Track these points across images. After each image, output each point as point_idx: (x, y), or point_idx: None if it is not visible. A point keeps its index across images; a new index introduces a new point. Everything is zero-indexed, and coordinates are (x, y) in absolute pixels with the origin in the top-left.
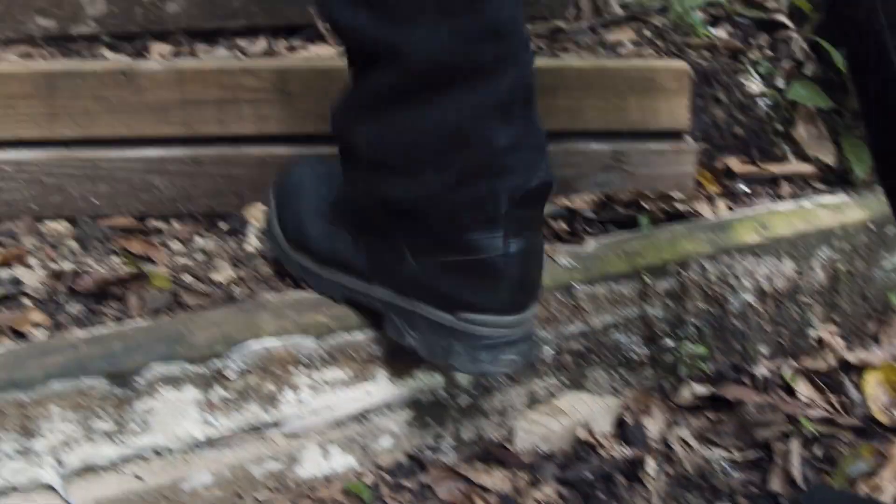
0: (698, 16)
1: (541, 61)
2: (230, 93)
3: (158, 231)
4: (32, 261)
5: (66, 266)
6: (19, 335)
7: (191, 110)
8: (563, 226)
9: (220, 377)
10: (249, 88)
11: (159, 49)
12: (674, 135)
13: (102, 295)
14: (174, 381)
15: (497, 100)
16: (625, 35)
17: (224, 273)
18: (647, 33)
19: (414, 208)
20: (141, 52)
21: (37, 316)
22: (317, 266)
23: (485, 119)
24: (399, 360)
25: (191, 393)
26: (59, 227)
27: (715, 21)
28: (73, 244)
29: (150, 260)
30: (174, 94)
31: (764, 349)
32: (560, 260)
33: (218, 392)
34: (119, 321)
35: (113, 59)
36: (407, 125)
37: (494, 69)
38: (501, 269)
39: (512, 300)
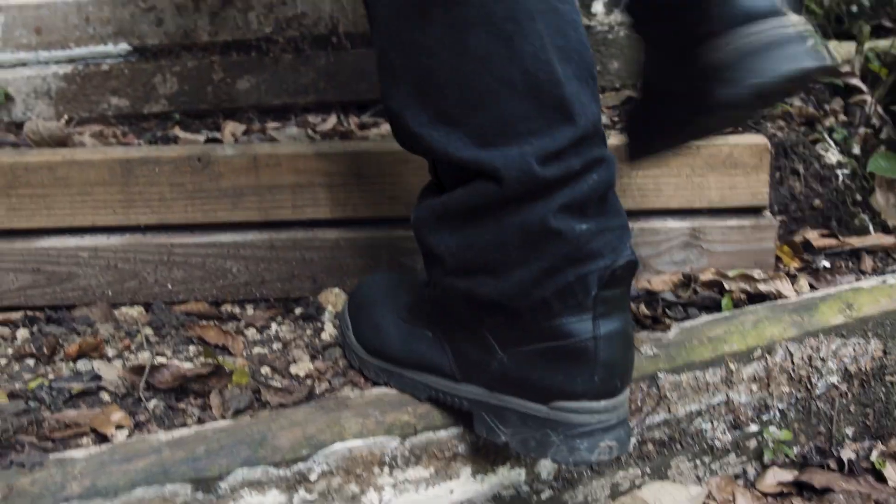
0: None
1: (617, 139)
2: (305, 177)
3: (233, 317)
4: (109, 351)
5: (143, 357)
6: (101, 436)
7: (265, 195)
8: (644, 309)
9: (303, 480)
10: (324, 173)
11: (232, 128)
12: (753, 210)
13: (182, 391)
14: (258, 486)
15: (583, 199)
16: None
17: (303, 366)
18: None
19: (501, 303)
20: (213, 130)
21: (117, 414)
22: (399, 368)
23: (570, 215)
24: (481, 457)
25: (274, 497)
26: (134, 312)
27: None
28: (149, 331)
29: (226, 350)
30: (249, 180)
31: (850, 431)
32: (644, 349)
33: (301, 495)
34: (200, 421)
35: (188, 145)
36: (494, 231)
37: (580, 174)
38: (593, 352)
39: (605, 384)
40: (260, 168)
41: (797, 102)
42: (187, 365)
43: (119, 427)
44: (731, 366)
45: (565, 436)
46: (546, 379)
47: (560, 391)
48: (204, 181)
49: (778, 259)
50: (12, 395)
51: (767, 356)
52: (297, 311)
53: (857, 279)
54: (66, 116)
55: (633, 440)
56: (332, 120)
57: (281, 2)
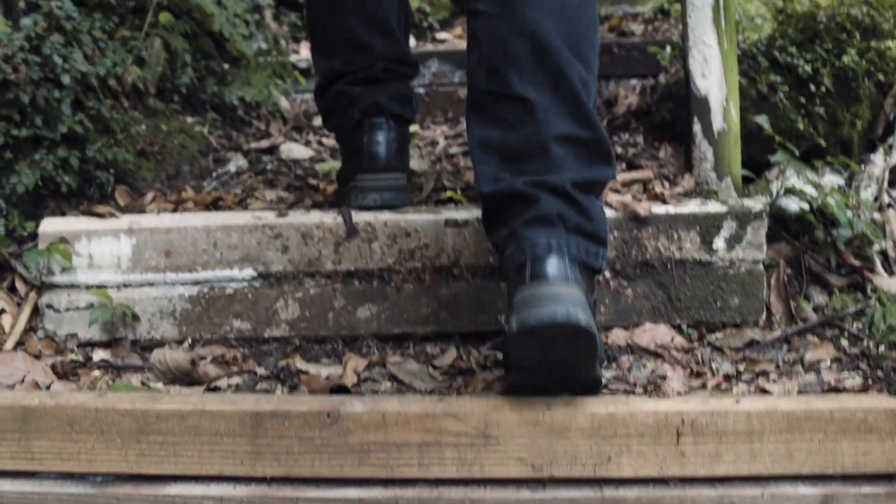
0: None
1: (749, 403)
2: (433, 436)
3: None
4: None
5: None
6: None
7: (392, 452)
8: None
9: None
10: (452, 432)
11: (354, 364)
12: (888, 477)
13: None
14: None
15: None
16: (824, 352)
17: None
18: (846, 345)
19: None
20: (332, 356)
21: None
22: None
23: None
24: None
25: None
26: None
27: None
28: None
29: None
30: (377, 436)
31: None
32: None
33: None
34: None
35: (317, 398)
36: None
37: None
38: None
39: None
40: (388, 426)
41: None
42: None
43: None
44: None
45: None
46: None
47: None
48: (332, 436)
49: None
50: None
51: None
52: None
53: None
54: (189, 339)
55: None
56: (451, 353)
57: (405, 233)
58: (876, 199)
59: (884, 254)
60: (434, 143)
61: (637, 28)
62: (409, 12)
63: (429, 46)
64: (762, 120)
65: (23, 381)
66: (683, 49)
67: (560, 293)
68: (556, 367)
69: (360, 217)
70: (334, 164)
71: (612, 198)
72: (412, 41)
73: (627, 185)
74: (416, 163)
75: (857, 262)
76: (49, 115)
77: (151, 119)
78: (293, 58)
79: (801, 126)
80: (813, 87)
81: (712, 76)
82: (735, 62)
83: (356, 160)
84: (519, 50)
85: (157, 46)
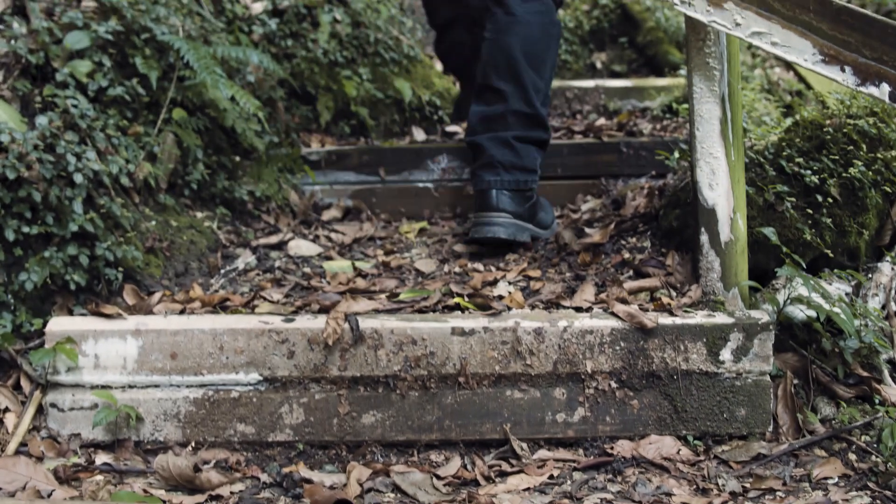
0: None
1: None
2: None
3: None
4: None
5: None
6: None
7: None
8: None
9: None
10: None
11: (357, 474)
12: None
13: None
14: None
15: None
16: (832, 468)
17: None
18: (854, 459)
19: None
20: (335, 462)
21: None
22: None
23: None
24: None
25: None
26: None
27: None
28: None
29: None
30: None
31: None
32: None
33: None
34: None
35: None
36: None
37: None
38: None
39: None
40: None
41: None
42: None
43: None
44: None
45: None
46: None
47: None
48: None
49: None
50: None
51: None
52: None
53: None
54: (193, 442)
55: None
56: (455, 462)
57: (411, 341)
58: (883, 307)
59: (892, 363)
60: (442, 241)
61: (645, 125)
62: None
63: (438, 142)
64: (769, 232)
65: (24, 488)
66: (691, 160)
67: (492, 218)
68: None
69: (366, 324)
70: (342, 264)
71: (618, 308)
72: (421, 135)
73: (634, 293)
74: (422, 263)
75: (864, 373)
76: (60, 213)
77: (161, 214)
78: (304, 150)
79: (808, 236)
80: (820, 197)
81: (720, 187)
82: (742, 173)
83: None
84: (499, 60)
85: (170, 142)
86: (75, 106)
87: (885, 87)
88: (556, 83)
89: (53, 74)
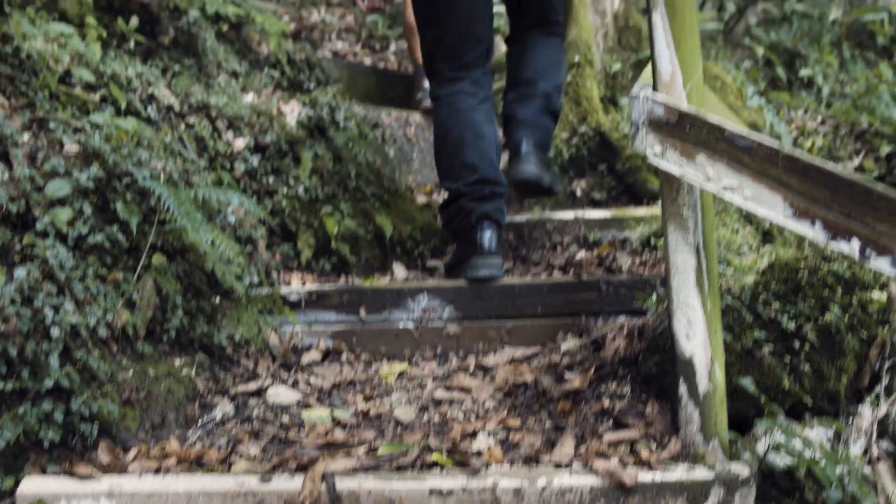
0: None
1: None
2: None
3: None
4: None
5: None
6: None
7: None
8: None
9: None
10: None
11: None
12: None
13: None
14: None
15: None
16: None
17: None
18: None
19: None
20: None
21: None
22: None
23: None
24: None
25: None
26: None
27: None
28: None
29: None
30: None
31: None
32: None
33: None
34: None
35: None
36: None
37: None
38: None
39: None
40: None
41: None
42: None
43: None
44: None
45: None
46: None
47: None
48: None
49: None
50: None
51: None
52: None
53: None
54: None
55: None
56: None
57: (388, 502)
58: (865, 451)
59: None
60: (422, 385)
61: (625, 259)
62: (500, 148)
63: (416, 281)
64: (747, 382)
65: None
66: (668, 309)
67: (530, 163)
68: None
69: (343, 484)
70: (321, 413)
71: (598, 465)
72: (402, 271)
73: (614, 445)
74: (402, 411)
75: None
76: (36, 367)
77: (139, 363)
78: (284, 290)
79: (786, 384)
80: (797, 343)
81: (697, 338)
82: (719, 322)
83: (469, 250)
84: (527, 67)
85: (149, 289)
86: (55, 256)
87: (856, 244)
88: (536, 215)
89: (34, 223)
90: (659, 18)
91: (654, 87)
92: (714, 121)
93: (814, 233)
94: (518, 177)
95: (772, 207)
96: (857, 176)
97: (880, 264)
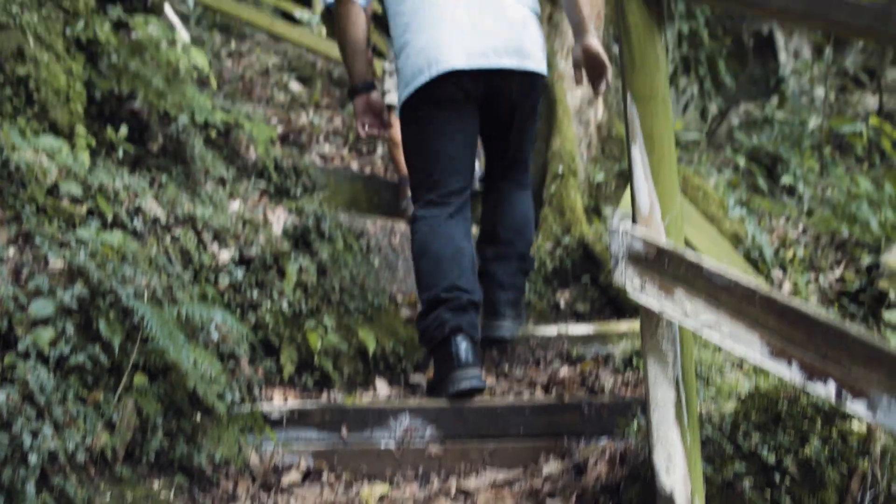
0: None
1: None
2: None
3: None
4: None
5: None
6: None
7: None
8: None
9: None
10: None
11: None
12: None
13: None
14: None
15: None
16: None
17: None
18: None
19: None
20: None
21: None
22: None
23: None
24: None
25: None
26: None
27: None
28: None
29: None
30: None
31: None
32: None
33: None
34: None
35: None
36: None
37: None
38: None
39: None
40: None
41: None
42: None
43: None
44: None
45: None
46: None
47: None
48: None
49: None
50: None
51: None
52: None
53: None
54: None
55: None
56: None
57: None
58: None
59: None
60: None
61: (608, 378)
62: (475, 261)
63: (399, 400)
64: None
65: None
66: (648, 442)
67: (505, 326)
68: None
69: None
70: None
71: None
72: (385, 389)
73: None
74: None
75: None
76: (12, 494)
77: (117, 486)
78: (266, 407)
79: None
80: (778, 476)
81: (677, 472)
82: (699, 455)
83: (448, 364)
84: (505, 226)
85: (129, 410)
86: (35, 379)
87: (832, 386)
88: (519, 332)
89: (16, 342)
90: (638, 152)
91: (634, 220)
92: (692, 258)
93: (790, 373)
94: (493, 335)
95: (749, 346)
96: (833, 319)
97: (856, 408)
